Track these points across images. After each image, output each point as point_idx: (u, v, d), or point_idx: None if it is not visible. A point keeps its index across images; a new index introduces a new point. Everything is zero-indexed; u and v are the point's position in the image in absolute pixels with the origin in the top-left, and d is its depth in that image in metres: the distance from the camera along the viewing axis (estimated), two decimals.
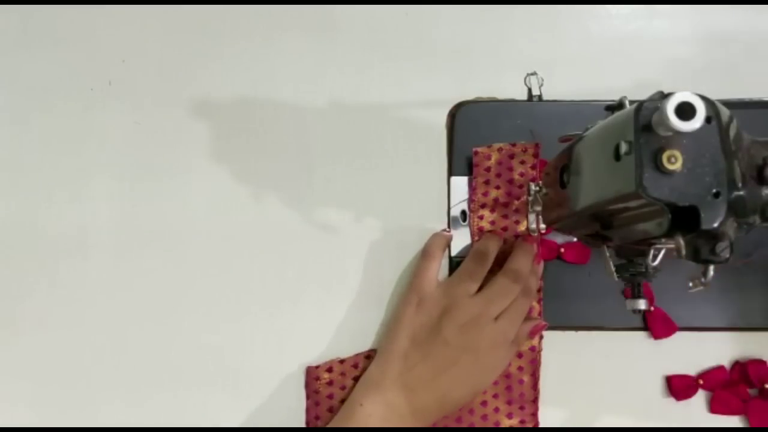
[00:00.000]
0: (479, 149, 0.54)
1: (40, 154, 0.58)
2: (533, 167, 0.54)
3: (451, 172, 0.56)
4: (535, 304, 0.53)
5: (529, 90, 0.56)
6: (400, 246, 0.55)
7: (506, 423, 0.52)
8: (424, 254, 0.53)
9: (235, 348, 0.55)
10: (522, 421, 0.52)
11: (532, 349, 0.53)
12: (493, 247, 0.52)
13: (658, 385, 0.54)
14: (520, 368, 0.53)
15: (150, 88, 0.59)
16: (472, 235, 0.55)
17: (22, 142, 0.58)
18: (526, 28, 0.58)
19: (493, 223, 0.54)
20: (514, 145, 0.54)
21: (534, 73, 0.56)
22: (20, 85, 0.59)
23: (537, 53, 0.57)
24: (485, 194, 0.54)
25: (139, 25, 0.59)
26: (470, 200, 0.55)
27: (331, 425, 0.50)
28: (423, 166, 0.56)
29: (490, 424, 0.52)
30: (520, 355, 0.53)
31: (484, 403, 0.52)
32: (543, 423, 0.53)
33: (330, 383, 0.53)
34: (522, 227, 0.53)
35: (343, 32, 0.59)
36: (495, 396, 0.52)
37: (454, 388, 0.49)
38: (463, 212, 0.56)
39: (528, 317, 0.52)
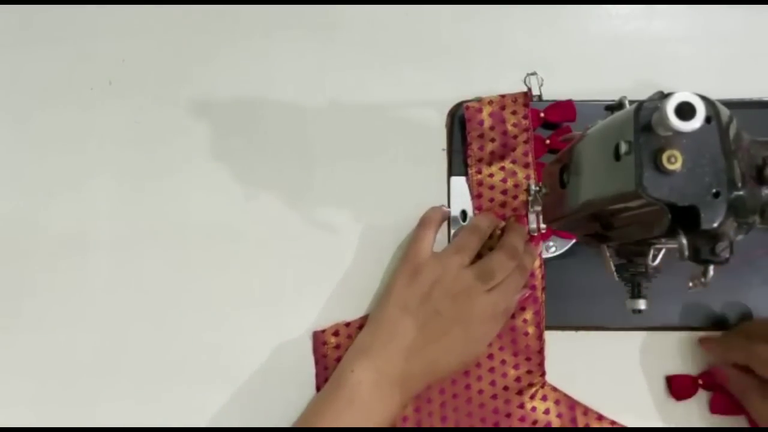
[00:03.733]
0: (470, 104, 0.55)
1: (40, 154, 0.58)
2: (525, 117, 0.54)
3: (451, 172, 0.56)
4: (539, 294, 0.53)
5: (529, 90, 0.56)
6: (400, 246, 0.55)
7: (513, 374, 0.53)
8: (420, 224, 0.53)
9: (235, 346, 0.55)
10: (529, 371, 0.53)
11: (535, 300, 0.53)
12: (488, 223, 0.53)
13: (658, 385, 0.54)
14: (524, 320, 0.53)
15: (150, 88, 0.59)
16: (472, 191, 0.55)
17: (22, 142, 0.58)
18: (526, 28, 0.58)
19: (491, 176, 0.54)
20: (503, 96, 0.55)
21: (534, 73, 0.56)
22: (20, 85, 0.59)
23: (537, 53, 0.57)
24: (481, 148, 0.55)
25: (139, 25, 0.59)
26: (466, 155, 0.55)
27: (321, 392, 0.50)
28: (423, 166, 0.56)
29: (497, 377, 0.53)
30: (523, 308, 0.53)
31: (490, 356, 0.53)
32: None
33: (337, 347, 0.54)
34: (520, 176, 0.54)
35: (343, 32, 0.59)
36: (501, 348, 0.53)
37: (443, 357, 0.49)
38: (463, 212, 0.56)
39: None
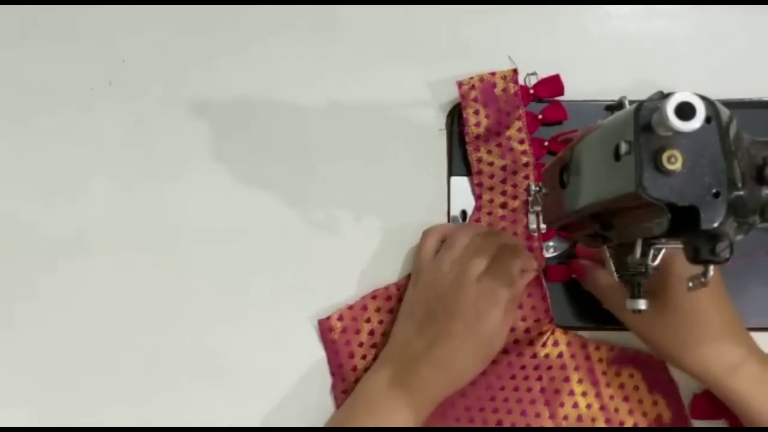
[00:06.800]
0: (462, 80, 0.55)
1: (40, 154, 0.58)
2: (516, 94, 0.55)
3: (451, 172, 0.56)
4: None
5: (529, 90, 0.56)
6: (400, 246, 0.55)
7: (522, 326, 0.53)
8: (423, 234, 0.54)
9: (236, 347, 0.55)
10: (537, 320, 0.53)
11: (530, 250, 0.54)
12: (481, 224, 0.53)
13: None
14: (522, 272, 0.52)
15: (150, 88, 0.59)
16: (472, 167, 0.55)
17: (22, 142, 0.58)
18: (526, 28, 0.58)
19: (489, 152, 0.55)
20: (492, 74, 0.55)
21: (534, 73, 0.56)
22: (20, 85, 0.59)
23: (536, 53, 0.57)
24: (477, 124, 0.55)
25: (139, 25, 0.59)
26: (464, 133, 0.55)
27: (342, 407, 0.51)
28: (423, 166, 0.56)
29: None
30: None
31: None
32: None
33: (344, 330, 0.54)
34: (517, 152, 0.55)
35: (343, 32, 0.59)
36: None
37: (454, 359, 0.48)
38: (463, 212, 0.56)
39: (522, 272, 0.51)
